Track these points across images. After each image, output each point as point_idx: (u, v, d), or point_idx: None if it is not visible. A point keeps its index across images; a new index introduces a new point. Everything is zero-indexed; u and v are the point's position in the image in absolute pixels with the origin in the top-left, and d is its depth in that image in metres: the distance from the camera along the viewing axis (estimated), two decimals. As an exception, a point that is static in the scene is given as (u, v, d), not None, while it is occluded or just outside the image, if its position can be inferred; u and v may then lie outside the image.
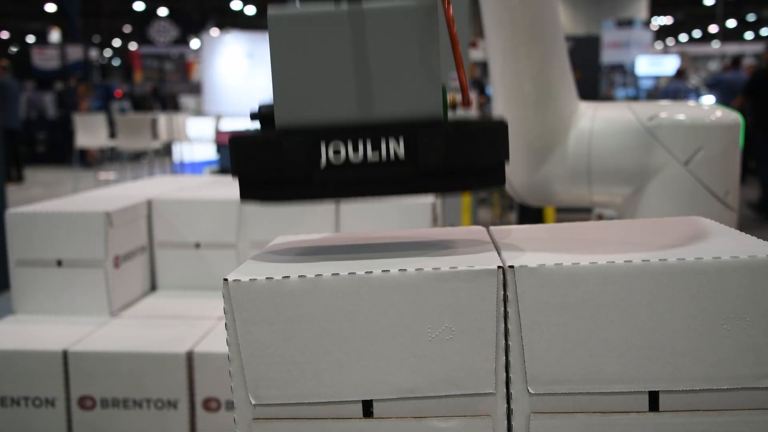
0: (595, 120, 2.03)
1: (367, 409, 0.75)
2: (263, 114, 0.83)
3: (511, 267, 0.73)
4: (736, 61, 10.69)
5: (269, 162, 0.80)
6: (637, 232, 0.88)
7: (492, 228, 0.96)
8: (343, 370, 0.74)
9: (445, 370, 0.74)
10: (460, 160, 0.77)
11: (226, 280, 0.74)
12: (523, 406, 0.75)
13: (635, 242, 0.82)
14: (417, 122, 0.78)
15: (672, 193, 1.91)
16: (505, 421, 0.75)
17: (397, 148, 0.77)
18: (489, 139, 0.79)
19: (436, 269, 0.73)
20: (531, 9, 1.87)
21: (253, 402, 0.75)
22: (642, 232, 0.88)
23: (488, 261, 0.75)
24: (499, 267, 0.73)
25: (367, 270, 0.74)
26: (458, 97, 0.89)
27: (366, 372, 0.74)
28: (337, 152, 0.78)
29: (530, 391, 0.74)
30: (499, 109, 2.09)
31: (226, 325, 0.75)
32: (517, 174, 2.13)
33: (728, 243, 0.79)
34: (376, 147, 0.77)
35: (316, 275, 0.74)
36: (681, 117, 1.90)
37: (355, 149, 0.78)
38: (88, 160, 11.53)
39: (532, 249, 0.80)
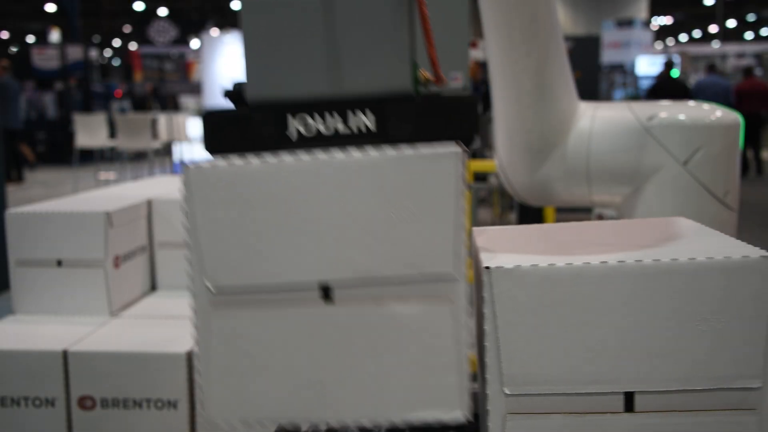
0: (595, 120, 2.03)
1: (327, 293, 0.74)
2: (236, 92, 0.84)
3: (488, 268, 0.73)
4: (711, 66, 10.78)
5: (240, 136, 0.80)
6: (619, 233, 0.88)
7: (475, 228, 0.96)
8: (301, 251, 0.73)
9: (403, 250, 0.72)
10: (429, 134, 0.77)
11: (185, 165, 0.73)
12: (499, 406, 0.75)
13: (614, 243, 0.82)
14: (387, 96, 0.79)
15: (671, 193, 1.91)
16: (466, 305, 0.74)
17: (367, 121, 0.78)
18: (458, 114, 0.79)
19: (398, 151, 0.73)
20: (528, 10, 1.87)
21: (211, 288, 0.73)
22: (623, 233, 0.88)
23: (448, 147, 0.74)
24: (458, 152, 0.73)
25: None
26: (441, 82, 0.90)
27: (324, 253, 0.73)
28: (307, 125, 0.78)
29: (506, 391, 0.75)
30: (498, 108, 2.09)
31: (186, 213, 0.73)
32: (517, 174, 2.13)
33: (706, 244, 0.79)
34: (347, 120, 0.78)
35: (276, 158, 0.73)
36: (680, 117, 1.90)
37: (325, 122, 0.78)
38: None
39: (511, 250, 0.80)
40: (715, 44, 28.10)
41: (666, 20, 30.41)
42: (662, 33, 30.48)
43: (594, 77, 10.59)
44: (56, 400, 1.55)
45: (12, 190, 9.55)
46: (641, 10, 17.38)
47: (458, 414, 0.73)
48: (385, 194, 0.72)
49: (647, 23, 17.22)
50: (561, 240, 0.86)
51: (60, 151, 13.50)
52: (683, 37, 33.79)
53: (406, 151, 0.72)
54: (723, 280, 0.72)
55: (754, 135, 10.07)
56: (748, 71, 11.59)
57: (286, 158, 0.73)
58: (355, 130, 0.78)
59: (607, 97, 13.18)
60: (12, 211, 1.80)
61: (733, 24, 30.53)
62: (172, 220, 2.00)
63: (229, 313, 0.74)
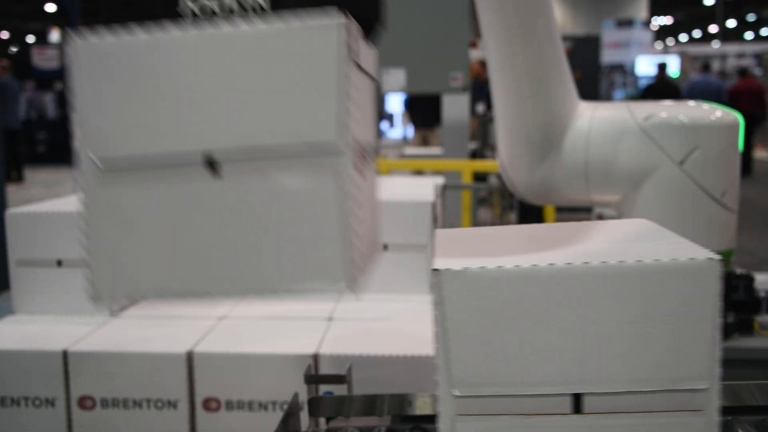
0: (594, 120, 2.04)
1: (212, 166, 0.74)
2: None
3: (436, 270, 0.74)
4: (705, 66, 10.88)
5: (131, 11, 0.80)
6: (578, 235, 0.88)
7: (438, 230, 0.97)
8: (185, 121, 0.73)
9: (287, 118, 0.72)
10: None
11: (71, 38, 0.75)
12: (449, 407, 0.76)
13: (570, 246, 0.82)
14: None
15: (667, 193, 1.91)
16: (353, 176, 0.73)
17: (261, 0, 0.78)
18: None
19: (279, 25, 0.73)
20: (524, 10, 1.87)
21: (96, 160, 0.74)
22: (583, 235, 0.88)
23: (333, 18, 0.73)
24: (341, 22, 0.72)
25: None
26: None
27: (208, 122, 0.73)
28: (201, 5, 0.78)
29: (455, 393, 0.75)
30: (498, 107, 2.09)
31: (71, 87, 0.74)
32: (517, 173, 2.13)
33: (658, 246, 0.79)
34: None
35: None
36: (676, 117, 1.90)
37: (220, 1, 0.78)
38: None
39: (465, 252, 0.81)
40: (715, 44, 28.09)
41: (666, 20, 30.41)
42: (662, 33, 30.49)
43: (594, 77, 10.60)
44: (56, 400, 1.55)
45: (12, 190, 9.54)
46: (641, 10, 17.38)
47: (342, 285, 0.73)
48: (269, 64, 0.72)
49: (647, 23, 17.22)
50: (520, 242, 0.86)
51: (60, 151, 13.50)
52: (683, 37, 33.79)
53: (292, 22, 0.72)
54: (669, 282, 0.73)
55: (747, 135, 10.16)
56: (743, 72, 11.72)
57: (174, 31, 0.74)
58: (249, 9, 0.76)
59: (607, 97, 13.18)
60: (12, 211, 1.80)
61: (733, 24, 30.52)
62: (172, 220, 2.00)
63: (115, 187, 0.73)
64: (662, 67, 10.37)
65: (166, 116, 0.73)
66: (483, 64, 9.93)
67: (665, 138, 1.90)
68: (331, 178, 0.72)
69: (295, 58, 0.71)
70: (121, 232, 0.74)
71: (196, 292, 0.74)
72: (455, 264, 0.75)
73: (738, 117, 1.93)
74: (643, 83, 15.18)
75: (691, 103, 1.98)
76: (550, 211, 4.07)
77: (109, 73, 0.74)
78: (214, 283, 0.74)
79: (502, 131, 2.13)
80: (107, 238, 0.74)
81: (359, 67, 0.77)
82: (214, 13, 0.77)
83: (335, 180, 0.72)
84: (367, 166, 0.81)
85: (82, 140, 0.73)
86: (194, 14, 0.78)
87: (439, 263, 0.75)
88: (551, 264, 0.73)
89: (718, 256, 0.74)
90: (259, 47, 0.72)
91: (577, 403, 0.75)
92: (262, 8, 0.77)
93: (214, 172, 0.72)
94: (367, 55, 0.83)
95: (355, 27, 0.73)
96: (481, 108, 9.37)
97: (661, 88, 9.82)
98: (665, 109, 1.94)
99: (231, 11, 0.77)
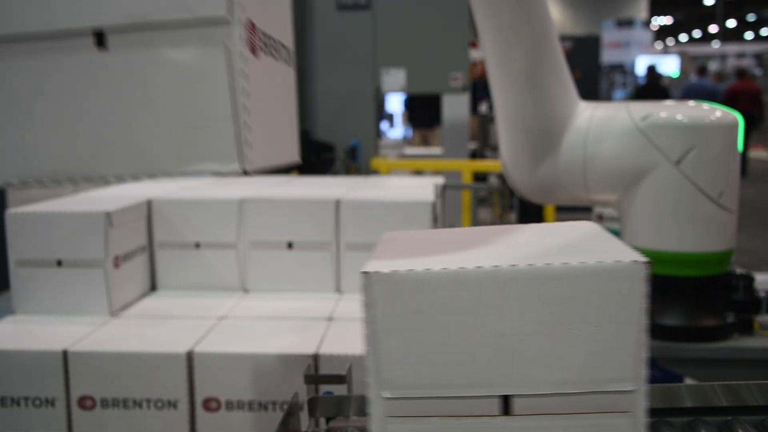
0: (592, 119, 2.04)
1: (100, 40, 0.71)
2: None
3: (366, 273, 0.74)
4: (702, 69, 11.03)
5: None
6: (518, 238, 0.88)
7: (388, 233, 0.97)
8: None
9: None
10: None
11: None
12: (379, 409, 0.76)
13: (505, 248, 0.82)
14: None
15: (664, 193, 1.92)
16: (242, 50, 0.71)
17: None
18: None
19: None
20: (517, 9, 1.88)
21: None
22: (522, 238, 0.88)
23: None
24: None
25: None
26: None
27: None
28: None
29: (385, 395, 0.76)
30: (498, 108, 2.10)
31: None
32: (517, 172, 2.14)
33: (591, 250, 0.79)
34: None
35: None
36: (673, 117, 1.90)
37: None
38: None
39: (401, 254, 0.81)
40: (715, 44, 28.08)
41: (666, 20, 30.41)
42: (662, 33, 30.49)
43: (594, 77, 10.61)
44: (56, 400, 1.55)
45: (12, 190, 9.53)
46: (641, 10, 17.38)
47: (236, 166, 0.71)
48: None
49: (647, 23, 17.22)
50: (460, 245, 0.86)
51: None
52: (683, 37, 33.79)
53: None
54: (595, 284, 0.73)
55: (744, 135, 10.29)
56: (741, 73, 11.87)
57: None
58: None
59: (607, 97, 13.19)
60: (12, 211, 1.80)
61: (733, 24, 30.52)
62: (172, 220, 2.00)
63: (3, 62, 0.70)
64: (652, 69, 10.49)
65: None
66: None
67: (662, 138, 1.90)
68: (221, 51, 0.69)
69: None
70: (8, 111, 0.71)
71: (89, 174, 0.71)
72: (385, 266, 0.75)
73: (737, 117, 1.93)
74: (642, 83, 15.19)
75: (691, 103, 1.98)
76: (550, 211, 4.07)
77: None
78: (107, 165, 0.71)
79: (502, 130, 2.14)
80: None
81: None
82: None
83: (224, 53, 0.69)
84: (272, 60, 0.78)
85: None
86: None
87: (370, 266, 0.76)
88: (478, 267, 0.73)
89: (644, 259, 0.74)
90: None
91: (506, 404, 0.75)
92: None
93: (101, 45, 0.69)
94: None
95: None
96: (484, 108, 9.38)
97: (650, 89, 9.95)
98: (664, 110, 1.94)
99: None
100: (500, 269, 0.73)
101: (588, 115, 2.07)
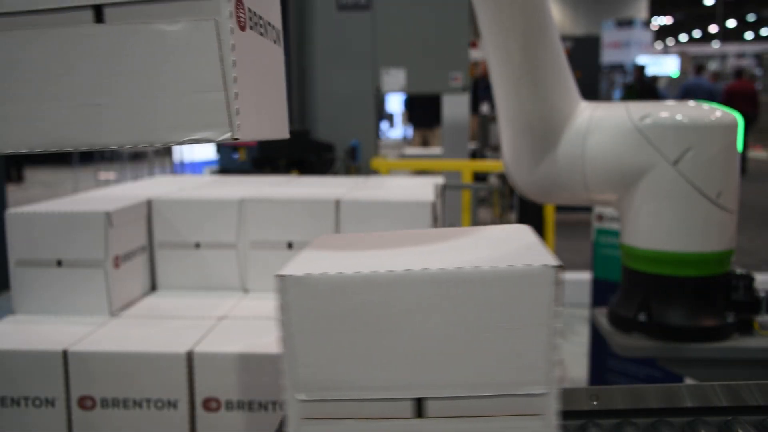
0: (592, 119, 2.05)
1: (99, 16, 0.74)
2: None
3: (280, 276, 0.75)
4: (700, 68, 11.21)
5: None
6: (445, 241, 0.89)
7: (322, 236, 0.98)
8: None
9: None
10: None
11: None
12: (294, 411, 0.77)
13: (428, 252, 0.82)
14: None
15: (662, 193, 1.92)
16: (229, 23, 0.74)
17: None
18: None
19: None
20: (517, 6, 1.88)
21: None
22: (450, 242, 0.88)
23: None
24: None
25: None
26: None
27: None
28: None
29: (301, 397, 0.76)
30: (500, 107, 2.10)
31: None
32: (518, 172, 2.15)
33: (508, 253, 0.79)
34: None
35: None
36: (672, 117, 1.90)
37: None
38: None
39: (323, 257, 0.82)
40: (715, 44, 28.08)
41: (666, 20, 30.42)
42: (662, 33, 30.50)
43: (594, 77, 10.62)
44: (56, 400, 1.55)
45: (12, 190, 9.55)
46: (641, 10, 17.38)
47: (228, 134, 0.74)
48: None
49: (647, 23, 17.23)
50: (386, 248, 0.86)
51: (60, 151, 13.47)
52: (683, 37, 33.79)
53: None
54: (505, 288, 0.74)
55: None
56: (738, 73, 12.08)
57: None
58: None
59: (607, 97, 13.19)
60: (12, 211, 1.80)
61: (733, 24, 30.52)
62: (172, 220, 2.00)
63: (4, 38, 0.74)
64: (640, 69, 10.61)
65: None
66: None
67: (660, 138, 1.90)
68: (211, 26, 0.72)
69: None
70: (15, 84, 0.74)
71: (93, 143, 0.74)
72: (299, 270, 0.76)
73: (737, 118, 1.92)
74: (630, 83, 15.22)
75: (691, 103, 1.98)
76: (549, 211, 4.07)
77: None
78: (108, 135, 0.74)
79: (503, 128, 2.15)
80: (1, 89, 0.74)
81: None
82: None
83: (215, 29, 0.72)
84: (259, 37, 0.83)
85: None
86: None
87: (286, 269, 0.77)
88: (390, 270, 0.74)
89: (555, 263, 0.74)
90: None
91: (420, 407, 0.76)
92: None
93: (99, 19, 0.73)
94: None
95: None
96: (485, 108, 9.39)
97: (638, 89, 10.06)
98: (663, 110, 1.94)
99: None
100: (411, 273, 0.74)
101: (588, 114, 2.07)
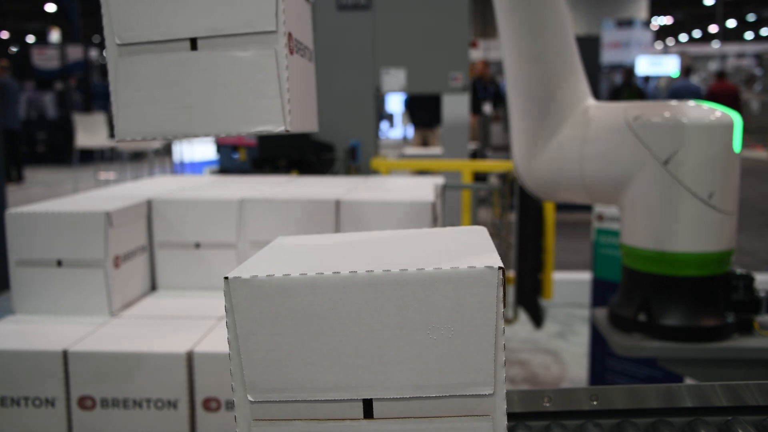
0: (592, 117, 2.07)
1: (194, 45, 1.04)
2: None
3: (226, 279, 0.75)
4: (687, 69, 11.49)
5: None
6: (400, 244, 0.89)
7: (280, 237, 1.00)
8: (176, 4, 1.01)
9: (238, 12, 1.05)
10: None
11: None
12: (244, 413, 0.77)
13: (379, 254, 0.83)
14: None
15: (653, 192, 1.93)
16: (284, 50, 1.03)
17: None
18: None
19: None
20: (536, 12, 1.97)
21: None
22: (405, 243, 0.89)
23: None
24: None
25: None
26: None
27: (193, 10, 1.02)
28: None
29: (250, 399, 0.77)
30: (512, 105, 2.14)
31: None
32: (525, 167, 2.19)
33: (456, 255, 0.80)
34: None
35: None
36: (663, 117, 1.91)
37: None
38: None
39: (275, 259, 0.83)
40: (715, 44, 28.07)
41: (666, 20, 30.41)
42: (662, 33, 30.50)
43: (594, 77, 10.63)
44: (56, 400, 1.55)
45: (12, 190, 9.54)
46: (641, 10, 17.38)
47: (282, 128, 1.04)
48: None
49: (647, 23, 17.22)
50: (339, 250, 0.87)
51: (60, 151, 13.49)
52: (683, 37, 33.79)
53: None
54: (449, 290, 0.74)
55: None
56: (720, 74, 12.51)
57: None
58: None
59: (607, 97, 13.19)
60: (12, 211, 1.80)
61: (733, 24, 30.52)
62: (172, 220, 2.00)
63: (130, 59, 1.05)
64: (629, 71, 10.77)
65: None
66: (486, 64, 9.96)
67: (651, 138, 1.91)
68: (272, 53, 1.03)
69: None
70: (135, 91, 1.07)
71: (186, 133, 1.07)
72: (246, 272, 0.76)
73: (734, 118, 1.92)
74: (641, 83, 15.18)
75: (691, 103, 1.98)
76: (549, 211, 4.07)
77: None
78: (198, 127, 1.06)
79: (514, 129, 2.18)
80: (126, 96, 1.07)
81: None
82: None
83: (274, 54, 1.03)
84: (301, 58, 1.17)
85: (109, 26, 1.05)
86: None
87: (234, 271, 0.77)
88: (335, 272, 0.75)
89: (498, 264, 0.74)
90: None
91: (368, 408, 0.77)
92: None
93: (193, 47, 1.05)
94: None
95: None
96: (487, 108, 9.40)
97: (626, 91, 10.24)
98: (658, 110, 1.95)
99: None
100: (356, 275, 0.74)
101: (591, 113, 2.09)
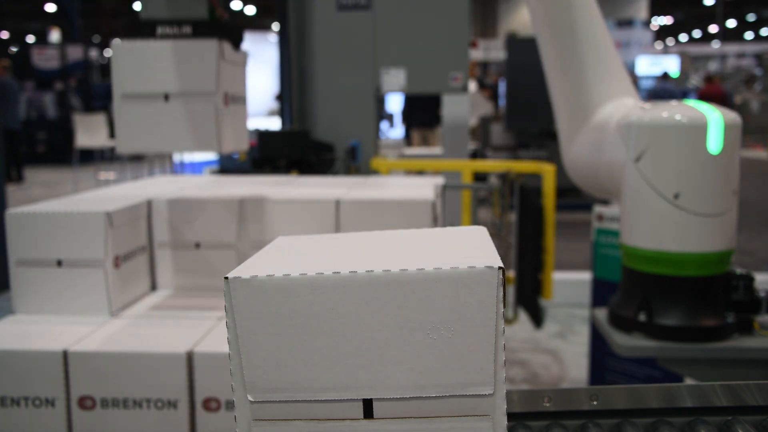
0: (611, 115, 2.14)
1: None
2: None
3: (226, 278, 0.75)
4: (664, 75, 11.75)
5: None
6: (400, 244, 0.90)
7: (280, 237, 0.99)
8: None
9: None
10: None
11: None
12: (244, 413, 0.77)
13: (380, 254, 0.83)
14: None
15: (629, 190, 1.96)
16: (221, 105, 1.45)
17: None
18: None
19: None
20: (568, 12, 2.21)
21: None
22: (405, 243, 0.89)
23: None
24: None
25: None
26: None
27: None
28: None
29: (250, 399, 0.77)
30: (553, 101, 2.37)
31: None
32: (564, 162, 2.40)
33: (456, 255, 0.80)
34: None
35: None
36: (639, 116, 1.93)
37: None
38: None
39: (275, 259, 0.83)
40: (715, 44, 28.06)
41: (666, 20, 30.41)
42: (662, 33, 30.49)
43: (594, 77, 10.69)
44: (56, 400, 1.55)
45: (12, 190, 9.54)
46: (641, 10, 17.37)
47: (216, 150, 1.48)
48: None
49: (647, 23, 17.22)
50: (340, 250, 0.87)
51: (60, 151, 13.48)
52: (683, 37, 33.78)
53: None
54: (449, 289, 0.74)
55: None
56: (709, 78, 12.83)
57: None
58: None
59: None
60: (12, 211, 1.80)
61: (733, 24, 30.51)
62: (172, 220, 2.00)
63: (129, 103, 1.52)
64: (629, 71, 10.97)
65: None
66: (474, 65, 9.94)
67: (627, 137, 1.94)
68: (212, 106, 1.44)
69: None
70: (130, 123, 1.56)
71: (161, 149, 1.76)
72: (246, 272, 0.76)
73: (708, 119, 1.88)
74: (643, 83, 15.19)
75: (691, 103, 1.98)
76: (550, 211, 4.06)
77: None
78: (168, 146, 1.73)
79: (556, 120, 2.39)
80: (124, 125, 1.69)
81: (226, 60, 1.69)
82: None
83: (214, 107, 1.70)
84: (231, 104, 1.75)
85: (116, 80, 1.46)
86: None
87: (234, 271, 0.77)
88: (336, 272, 0.74)
89: (498, 264, 0.74)
90: None
91: (368, 408, 0.76)
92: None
93: (166, 99, 1.49)
94: (233, 53, 1.82)
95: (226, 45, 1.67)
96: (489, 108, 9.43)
97: None
98: (642, 109, 1.96)
99: None
100: (356, 275, 0.74)
101: (610, 110, 2.17)
